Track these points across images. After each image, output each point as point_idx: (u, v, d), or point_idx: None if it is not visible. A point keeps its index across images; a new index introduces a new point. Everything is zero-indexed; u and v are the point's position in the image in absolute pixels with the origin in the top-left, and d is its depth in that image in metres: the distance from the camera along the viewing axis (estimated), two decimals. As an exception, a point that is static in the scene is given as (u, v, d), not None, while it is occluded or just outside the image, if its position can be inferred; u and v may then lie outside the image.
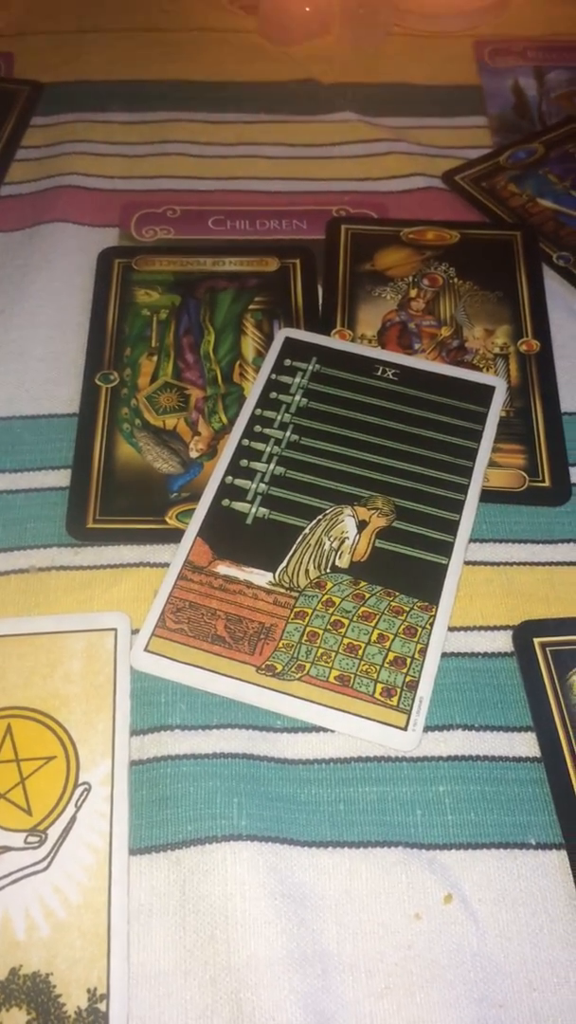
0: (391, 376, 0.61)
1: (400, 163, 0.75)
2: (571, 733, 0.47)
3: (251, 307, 0.65)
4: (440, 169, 0.75)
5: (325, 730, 0.47)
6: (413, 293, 0.66)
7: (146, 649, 0.49)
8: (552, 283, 0.67)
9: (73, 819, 0.43)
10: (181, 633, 0.49)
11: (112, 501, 0.55)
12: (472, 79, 0.83)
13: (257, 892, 0.42)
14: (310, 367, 0.61)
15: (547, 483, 0.57)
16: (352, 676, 0.48)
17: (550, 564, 0.53)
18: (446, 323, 0.65)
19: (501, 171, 0.75)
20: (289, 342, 0.62)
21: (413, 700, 0.48)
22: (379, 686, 0.48)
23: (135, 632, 0.49)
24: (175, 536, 0.53)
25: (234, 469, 0.56)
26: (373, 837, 0.44)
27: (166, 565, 0.52)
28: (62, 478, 0.56)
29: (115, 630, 0.49)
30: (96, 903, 0.41)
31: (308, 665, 0.49)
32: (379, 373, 0.61)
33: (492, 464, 0.57)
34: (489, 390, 0.60)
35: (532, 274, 0.67)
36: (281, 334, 0.63)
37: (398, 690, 0.48)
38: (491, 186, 0.74)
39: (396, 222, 0.71)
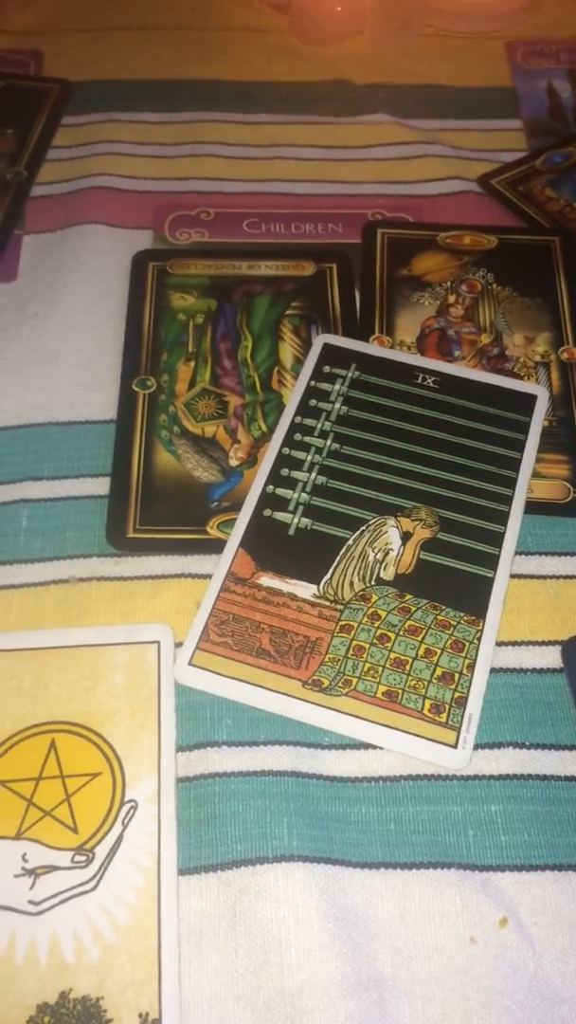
0: (431, 384, 0.60)
1: (435, 166, 0.74)
2: (623, 752, 0.46)
3: (288, 312, 0.64)
4: (475, 172, 0.74)
5: (374, 747, 0.46)
6: (452, 299, 0.65)
7: (190, 663, 0.48)
8: (592, 290, 0.66)
9: (120, 838, 0.42)
10: (225, 646, 0.49)
11: (152, 510, 0.54)
12: (505, 81, 0.82)
13: (310, 915, 0.41)
14: (349, 374, 0.60)
15: (593, 495, 0.56)
16: (400, 692, 0.48)
17: (598, 577, 0.53)
18: (486, 330, 0.64)
19: (537, 175, 0.74)
20: (328, 348, 0.61)
21: (462, 717, 0.47)
22: (428, 702, 0.47)
23: (178, 645, 0.48)
24: (217, 546, 0.52)
25: (275, 478, 0.55)
26: (425, 858, 0.43)
27: (208, 576, 0.51)
28: (101, 486, 0.55)
29: (158, 643, 0.48)
30: (145, 925, 0.40)
31: (355, 680, 0.48)
32: (419, 381, 0.60)
33: (535, 475, 0.56)
34: (531, 399, 0.59)
35: (572, 280, 0.66)
36: (319, 340, 0.62)
37: (447, 706, 0.47)
38: (528, 190, 0.73)
39: (433, 226, 0.70)
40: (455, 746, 0.46)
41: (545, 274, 0.67)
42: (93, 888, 0.41)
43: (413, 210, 0.72)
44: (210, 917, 0.41)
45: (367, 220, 0.70)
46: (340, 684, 0.48)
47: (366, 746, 0.46)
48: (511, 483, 0.55)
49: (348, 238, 0.69)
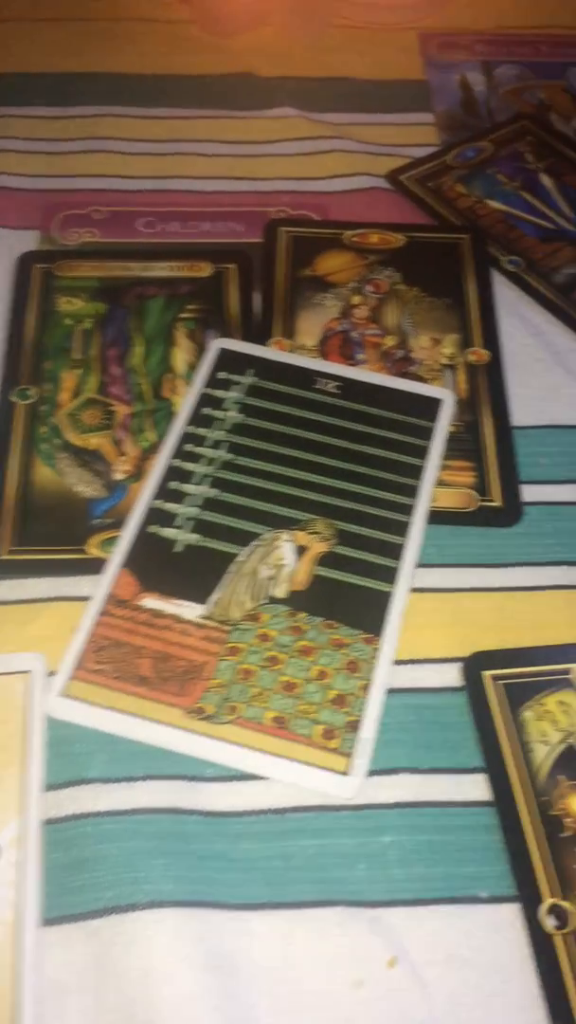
0: (333, 389, 0.57)
1: (342, 162, 0.72)
2: (525, 773, 0.44)
3: (183, 316, 0.61)
4: (384, 168, 0.72)
5: (260, 778, 0.43)
6: (356, 300, 0.63)
7: (63, 694, 0.45)
8: (502, 289, 0.64)
9: (-20, 887, 0.39)
10: (102, 675, 0.45)
11: (28, 529, 0.50)
12: (418, 74, 0.80)
13: (182, 965, 0.38)
14: (246, 380, 0.57)
15: (498, 502, 0.53)
16: (289, 717, 0.45)
17: (501, 590, 0.50)
18: (391, 332, 0.61)
19: (448, 170, 0.72)
20: (224, 353, 0.59)
21: (355, 742, 0.44)
22: (319, 727, 0.45)
23: (51, 675, 0.45)
24: (97, 567, 0.49)
25: (163, 492, 0.52)
26: (311, 896, 0.40)
27: (87, 599, 0.48)
28: (-25, 504, 0.51)
29: (29, 673, 0.45)
30: (2, 983, 0.37)
31: (242, 706, 0.45)
32: (320, 386, 0.57)
33: (440, 483, 0.54)
34: (436, 403, 0.57)
35: (481, 279, 0.64)
36: (215, 345, 0.59)
37: (339, 731, 0.45)
38: (438, 186, 0.70)
39: (338, 224, 0.67)
40: (347, 774, 0.44)
41: (454, 273, 0.65)
42: (-52, 944, 0.38)
43: (318, 208, 0.69)
44: (75, 971, 0.38)
45: (270, 218, 0.67)
46: (225, 711, 0.45)
47: (252, 777, 0.44)
48: (413, 492, 0.53)
49: (249, 237, 0.66)
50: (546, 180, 0.70)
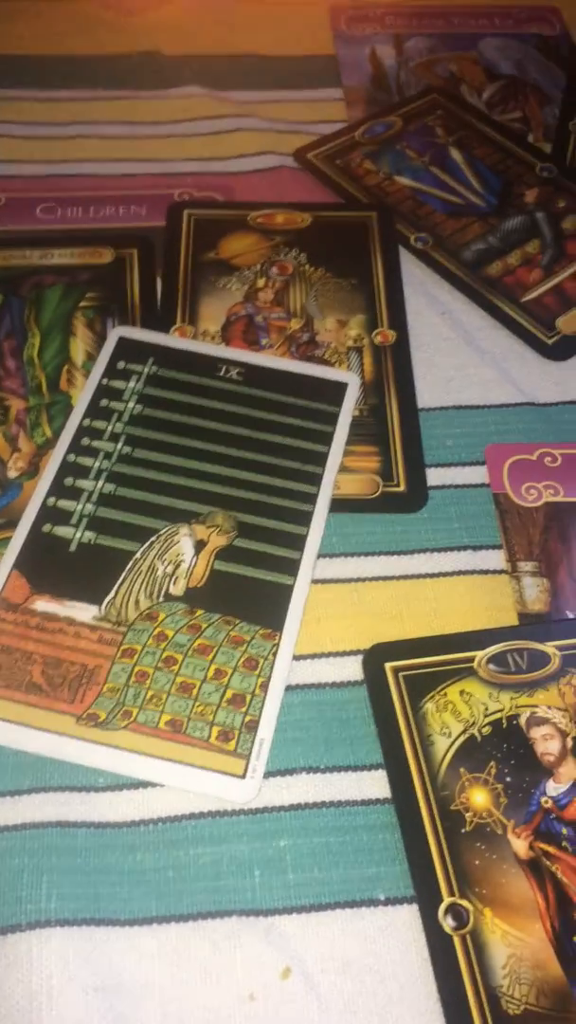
0: (235, 376, 0.56)
1: (248, 140, 0.70)
2: (424, 768, 0.43)
3: (82, 304, 0.59)
4: (292, 146, 0.70)
5: (154, 785, 0.42)
6: (261, 283, 0.61)
7: (-54, 705, 0.43)
8: (410, 267, 0.62)
9: None
10: (-11, 684, 0.44)
11: None
12: (328, 49, 0.78)
13: (67, 986, 0.37)
14: (146, 370, 0.55)
15: (402, 487, 0.52)
16: (185, 720, 0.43)
17: (404, 577, 0.49)
18: (296, 315, 0.59)
19: (357, 147, 0.70)
20: (123, 342, 0.57)
21: (253, 743, 0.43)
22: (215, 729, 0.43)
23: None
24: (-15, 570, 0.47)
25: (57, 489, 0.50)
26: (204, 907, 0.39)
27: (-26, 605, 0.46)
28: None
29: None
30: None
31: (136, 711, 0.44)
32: (222, 373, 0.56)
33: (344, 469, 0.52)
34: (341, 387, 0.56)
35: (388, 258, 0.62)
36: (114, 333, 0.57)
37: (236, 732, 0.43)
38: (346, 163, 0.69)
39: (243, 205, 0.65)
40: (243, 776, 0.42)
41: (361, 252, 0.63)
42: None
43: (224, 189, 0.67)
44: (-46, 998, 0.37)
45: (172, 201, 0.65)
46: (119, 716, 0.43)
47: (146, 784, 0.42)
48: (316, 480, 0.52)
49: (153, 221, 0.64)
50: (456, 154, 0.69)
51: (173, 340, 0.57)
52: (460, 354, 0.58)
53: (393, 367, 0.57)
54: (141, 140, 0.70)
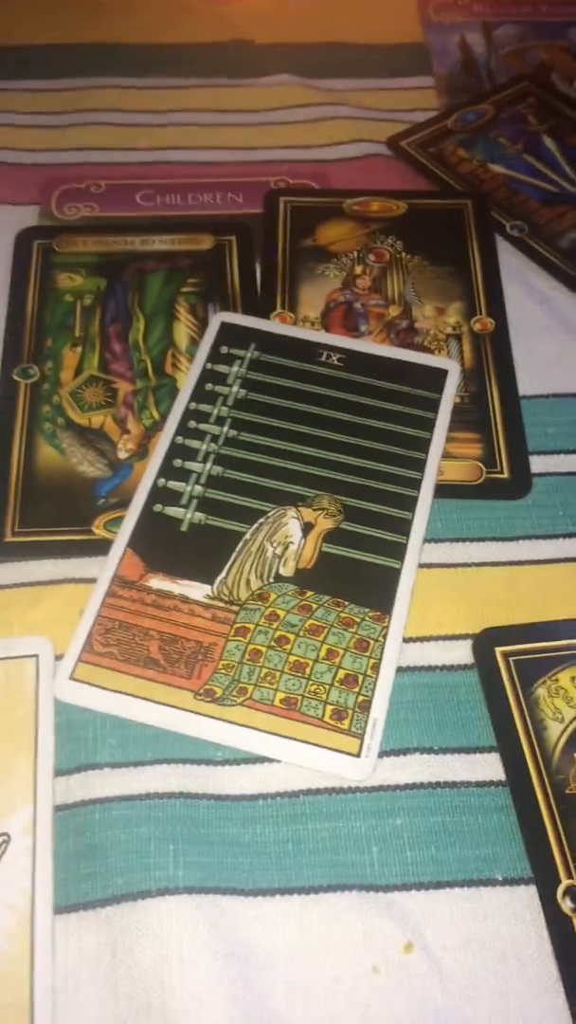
0: (336, 361, 0.56)
1: (342, 129, 0.70)
2: (537, 752, 0.43)
3: (184, 290, 0.60)
4: (384, 134, 0.70)
5: (271, 760, 0.43)
6: (358, 270, 0.61)
7: (71, 677, 0.44)
8: (506, 255, 0.63)
9: (-10, 876, 0.39)
10: (110, 657, 0.45)
11: (32, 510, 0.50)
12: (417, 37, 0.78)
13: (197, 953, 0.37)
14: (248, 354, 0.56)
15: (506, 474, 0.52)
16: (299, 698, 0.44)
17: (511, 564, 0.50)
18: (394, 302, 0.60)
19: (449, 135, 0.70)
20: (225, 327, 0.57)
21: (366, 722, 0.44)
22: (329, 708, 0.44)
23: (59, 658, 0.45)
24: (103, 548, 0.48)
25: (167, 470, 0.51)
26: (325, 881, 0.40)
27: (93, 581, 0.47)
28: (-24, 487, 0.51)
29: (36, 656, 0.45)
30: (17, 974, 0.37)
31: (251, 687, 0.44)
32: (323, 359, 0.56)
33: (446, 455, 0.53)
34: (441, 374, 0.56)
35: (484, 246, 0.63)
36: (216, 319, 0.58)
37: (350, 712, 0.44)
38: (439, 151, 0.69)
39: (339, 193, 0.66)
40: (358, 755, 0.43)
41: (457, 240, 0.63)
42: (-41, 934, 0.38)
43: (319, 176, 0.68)
44: (88, 960, 0.38)
45: (269, 189, 0.66)
46: (234, 693, 0.44)
47: (262, 760, 0.43)
48: (420, 465, 0.52)
49: (249, 208, 0.65)
50: (549, 142, 0.69)
51: (274, 326, 0.58)
52: (559, 342, 0.58)
53: (493, 354, 0.57)
54: (235, 128, 0.70)
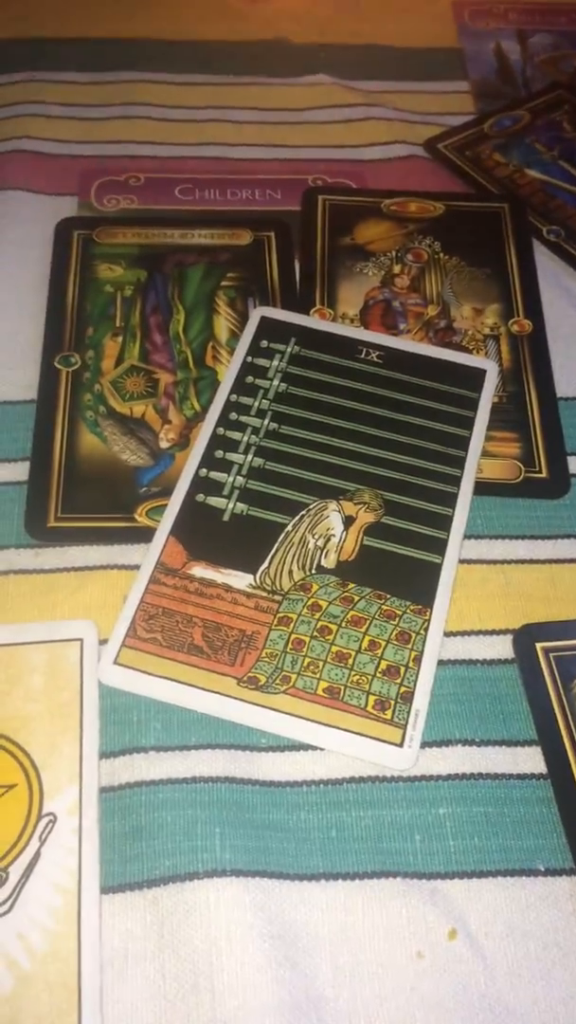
0: (375, 359, 0.57)
1: (379, 129, 0.71)
2: (578, 746, 0.43)
3: (223, 284, 0.60)
4: (421, 136, 0.71)
5: (314, 748, 0.43)
6: (397, 269, 0.62)
7: (116, 661, 0.44)
8: (542, 259, 0.63)
9: (37, 855, 0.39)
10: (154, 643, 0.45)
11: (75, 497, 0.50)
12: (452, 41, 0.79)
13: (244, 934, 0.38)
14: (288, 349, 0.56)
15: (544, 474, 0.53)
16: (342, 688, 0.44)
17: (550, 562, 0.50)
18: (432, 301, 0.60)
19: (485, 139, 0.71)
20: (265, 322, 0.58)
21: (409, 713, 0.44)
22: (372, 698, 0.44)
23: (103, 642, 0.45)
24: (146, 535, 0.48)
25: (209, 461, 0.52)
26: (369, 867, 0.40)
27: (136, 567, 0.47)
28: (19, 472, 0.51)
29: (81, 640, 0.45)
30: (64, 951, 0.37)
31: (294, 676, 0.45)
32: (363, 355, 0.57)
33: (485, 454, 0.53)
34: (480, 374, 0.56)
35: (522, 249, 0.63)
36: (256, 313, 0.58)
37: (392, 702, 0.44)
38: (475, 155, 0.69)
39: (376, 192, 0.66)
40: (401, 745, 0.43)
41: (494, 243, 0.64)
42: (7, 911, 0.38)
43: (356, 176, 0.68)
44: (135, 939, 0.38)
45: (307, 186, 0.66)
46: (278, 681, 0.44)
47: (306, 747, 0.43)
48: (459, 463, 0.52)
49: (287, 205, 0.65)
50: (585, 150, 0.69)
51: (313, 321, 0.59)
52: (596, 346, 0.59)
53: (531, 356, 0.58)
54: (272, 126, 0.71)
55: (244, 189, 0.66)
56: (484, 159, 0.69)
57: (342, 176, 0.68)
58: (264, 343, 0.57)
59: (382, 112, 0.72)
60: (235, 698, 0.44)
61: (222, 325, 0.58)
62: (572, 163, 0.69)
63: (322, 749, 0.43)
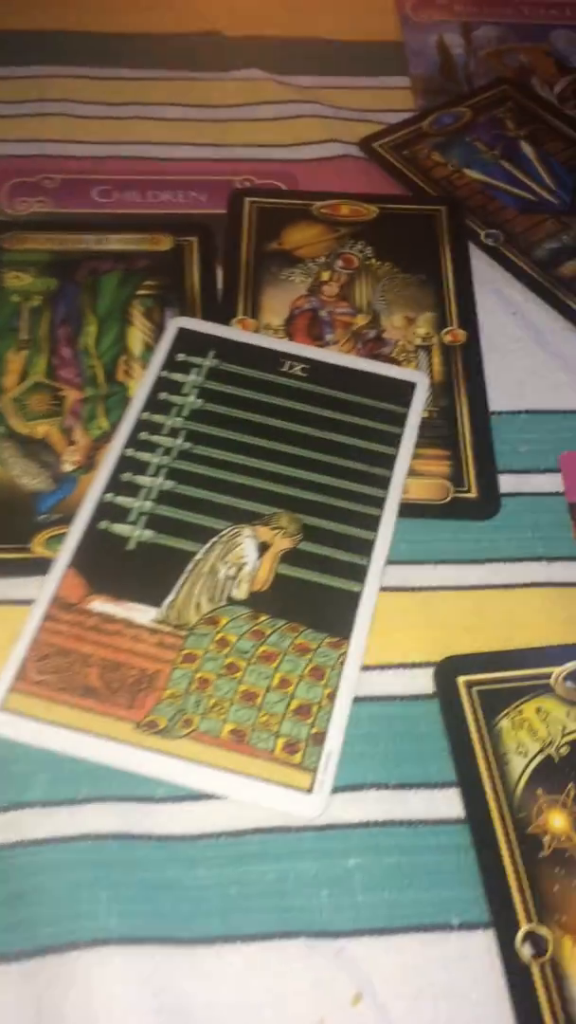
0: (299, 372, 0.54)
1: (312, 128, 0.68)
2: (499, 788, 0.41)
3: (139, 292, 0.57)
4: (357, 135, 0.68)
5: (217, 797, 0.40)
6: (325, 276, 0.59)
7: (2, 708, 0.41)
8: (480, 264, 0.60)
9: None
10: (45, 686, 0.42)
11: (-33, 525, 0.47)
12: (394, 35, 0.76)
13: (128, 1009, 0.35)
14: (206, 362, 0.53)
15: (473, 494, 0.50)
16: (249, 730, 0.42)
17: (477, 588, 0.47)
18: (362, 310, 0.57)
19: (424, 138, 0.68)
20: (183, 333, 0.55)
21: (320, 756, 0.41)
22: (280, 740, 0.41)
23: (-10, 686, 0.42)
24: (42, 567, 0.45)
25: (115, 484, 0.49)
26: (271, 927, 0.37)
27: (30, 603, 0.44)
28: None
29: (-34, 684, 0.42)
30: None
31: (197, 719, 0.42)
32: (286, 368, 0.54)
33: (412, 473, 0.50)
34: (409, 387, 0.54)
35: (458, 254, 0.60)
36: (173, 324, 0.55)
37: (302, 745, 0.41)
38: (413, 155, 0.67)
39: (307, 195, 0.63)
40: (310, 791, 0.40)
41: (429, 247, 0.61)
42: None
43: (286, 176, 0.65)
44: (10, 1018, 0.35)
45: (233, 188, 0.63)
46: (179, 724, 0.42)
47: (208, 796, 0.40)
48: (385, 483, 0.50)
49: (212, 208, 0.62)
50: (527, 148, 0.67)
51: (235, 332, 0.56)
52: (532, 356, 0.56)
53: (464, 368, 0.55)
54: (200, 123, 0.68)
55: (166, 191, 0.63)
56: (422, 159, 0.66)
57: (272, 177, 0.65)
58: (181, 356, 0.54)
59: (317, 109, 0.69)
60: (131, 744, 0.41)
61: (136, 337, 0.55)
62: (514, 163, 0.66)
63: (225, 798, 0.40)
